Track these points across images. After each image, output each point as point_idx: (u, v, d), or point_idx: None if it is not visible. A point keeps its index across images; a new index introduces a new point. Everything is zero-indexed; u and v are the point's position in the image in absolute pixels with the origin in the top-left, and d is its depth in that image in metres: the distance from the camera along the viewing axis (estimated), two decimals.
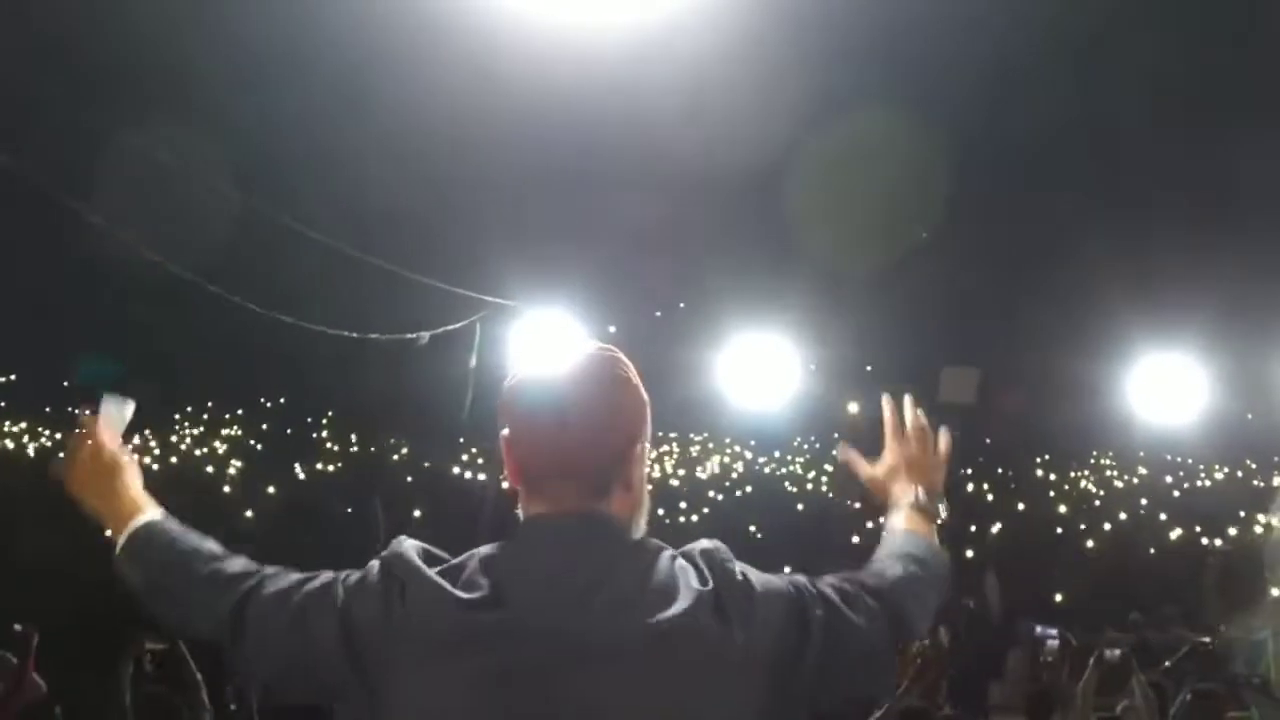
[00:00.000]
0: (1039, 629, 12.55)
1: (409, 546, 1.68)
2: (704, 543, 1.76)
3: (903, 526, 2.10)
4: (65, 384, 48.20)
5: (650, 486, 1.87)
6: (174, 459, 40.36)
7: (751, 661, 1.65)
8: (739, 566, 1.72)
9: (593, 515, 1.72)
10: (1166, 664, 8.76)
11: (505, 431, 1.79)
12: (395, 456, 41.21)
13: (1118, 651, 6.46)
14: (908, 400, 2.25)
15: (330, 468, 40.01)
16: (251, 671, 1.97)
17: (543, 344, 9.52)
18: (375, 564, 1.69)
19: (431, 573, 1.63)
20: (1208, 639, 9.76)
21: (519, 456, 1.76)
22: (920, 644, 7.95)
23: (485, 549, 1.71)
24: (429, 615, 1.60)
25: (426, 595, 1.61)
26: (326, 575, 1.75)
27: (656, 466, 55.08)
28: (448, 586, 1.62)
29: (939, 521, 2.15)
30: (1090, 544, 29.96)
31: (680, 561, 1.71)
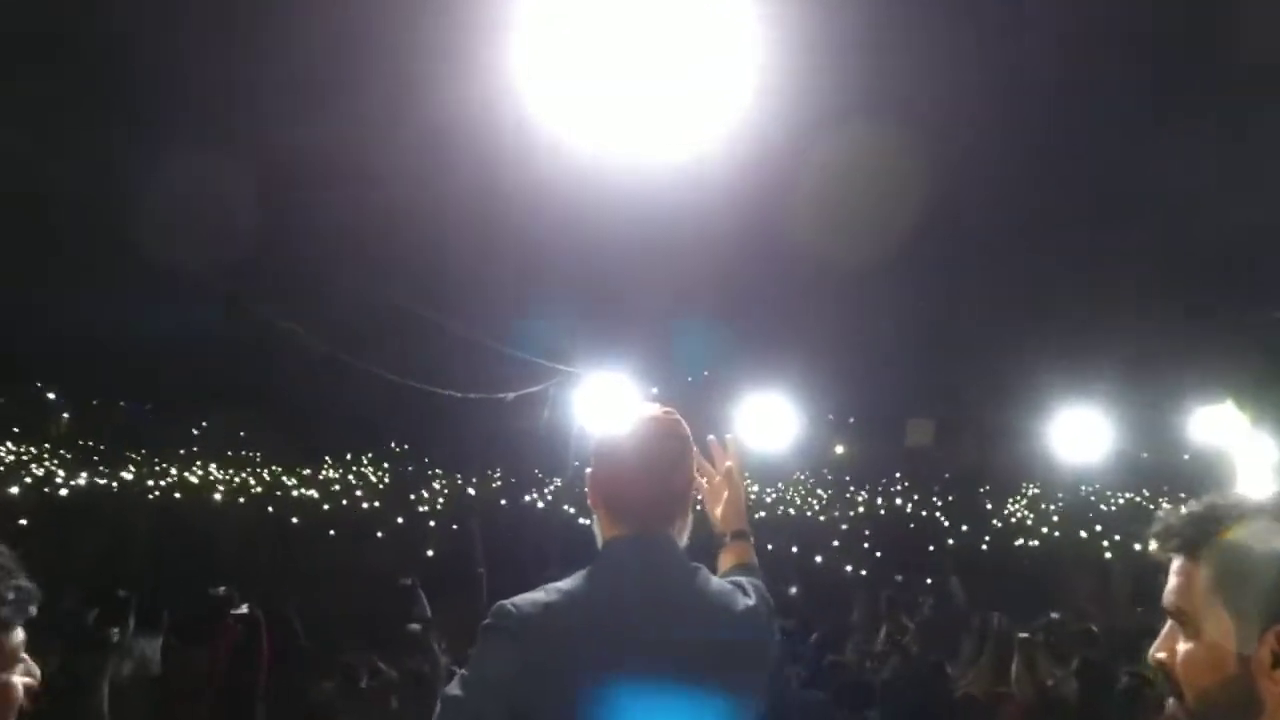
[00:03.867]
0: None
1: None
2: (740, 575, 2.06)
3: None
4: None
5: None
6: (317, 493, 42.72)
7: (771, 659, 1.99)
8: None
9: (664, 536, 1.92)
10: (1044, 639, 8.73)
11: (594, 471, 1.96)
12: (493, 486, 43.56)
13: (1026, 635, 6.81)
14: (731, 440, 2.32)
15: (439, 500, 41.99)
16: None
17: (601, 404, 10.05)
18: None
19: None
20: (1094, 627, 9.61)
21: (608, 493, 1.94)
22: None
23: (576, 576, 1.85)
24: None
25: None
26: None
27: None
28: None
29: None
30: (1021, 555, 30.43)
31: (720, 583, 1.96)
